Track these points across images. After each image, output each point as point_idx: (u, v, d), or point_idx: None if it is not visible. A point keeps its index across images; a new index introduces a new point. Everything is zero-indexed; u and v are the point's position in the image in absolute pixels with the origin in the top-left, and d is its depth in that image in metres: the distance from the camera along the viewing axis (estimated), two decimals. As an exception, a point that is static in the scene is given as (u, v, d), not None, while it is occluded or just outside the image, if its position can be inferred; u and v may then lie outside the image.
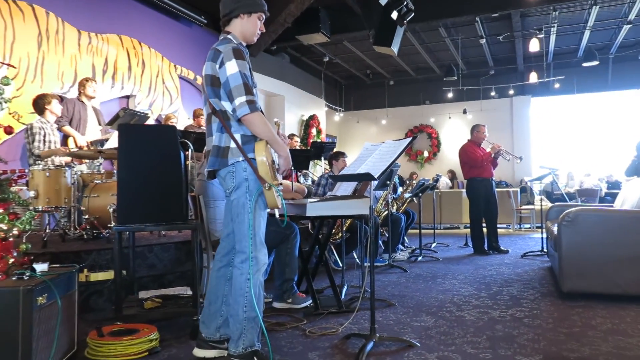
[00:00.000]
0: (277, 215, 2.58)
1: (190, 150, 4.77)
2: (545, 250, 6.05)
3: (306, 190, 5.74)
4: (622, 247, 3.64)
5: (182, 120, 7.97)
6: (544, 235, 6.04)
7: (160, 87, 7.90)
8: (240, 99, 2.28)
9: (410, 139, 3.02)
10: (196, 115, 6.72)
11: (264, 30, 2.51)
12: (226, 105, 2.35)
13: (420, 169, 14.81)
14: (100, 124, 5.46)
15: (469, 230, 6.76)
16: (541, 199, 6.86)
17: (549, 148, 13.75)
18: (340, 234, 5.00)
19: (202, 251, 3.38)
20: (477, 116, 13.64)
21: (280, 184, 2.46)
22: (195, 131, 5.34)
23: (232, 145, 2.35)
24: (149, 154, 2.93)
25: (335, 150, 6.90)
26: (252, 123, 2.32)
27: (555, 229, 4.13)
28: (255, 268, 2.36)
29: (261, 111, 2.35)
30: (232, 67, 2.29)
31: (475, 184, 6.48)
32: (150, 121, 7.05)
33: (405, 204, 6.79)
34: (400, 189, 7.40)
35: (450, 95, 13.61)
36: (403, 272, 5.13)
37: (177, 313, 2.99)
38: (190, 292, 3.42)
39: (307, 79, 13.14)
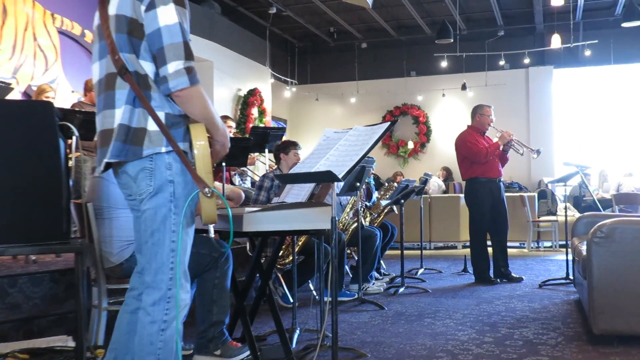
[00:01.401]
0: (211, 233, 2.53)
1: (74, 137, 4.66)
2: (571, 277, 6.24)
3: (243, 195, 5.69)
4: (671, 272, 3.79)
5: (62, 94, 7.78)
6: (570, 257, 6.22)
7: (30, 45, 7.70)
8: (177, 65, 2.20)
9: (388, 124, 3.05)
10: (89, 88, 6.57)
11: None
12: (147, 67, 2.25)
13: (403, 166, 15.01)
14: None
15: (468, 250, 6.90)
16: (566, 208, 7.07)
17: (577, 138, 14.20)
18: (290, 258, 4.98)
19: (91, 284, 3.30)
20: (481, 93, 13.95)
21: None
22: (86, 110, 5.21)
23: (151, 127, 2.25)
24: (11, 142, 2.82)
25: (284, 139, 6.89)
26: (189, 101, 2.25)
27: (584, 248, 4.25)
28: (172, 313, 2.29)
29: None
30: (168, 15, 2.19)
31: (477, 186, 6.62)
32: (15, 95, 6.82)
33: (383, 215, 6.85)
34: (375, 194, 7.46)
35: (444, 64, 13.86)
36: (378, 309, 5.17)
37: (54, 374, 2.90)
38: (72, 344, 3.33)
39: (246, 38, 13.07)
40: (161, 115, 2.24)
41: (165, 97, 2.26)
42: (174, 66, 2.19)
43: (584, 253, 4.09)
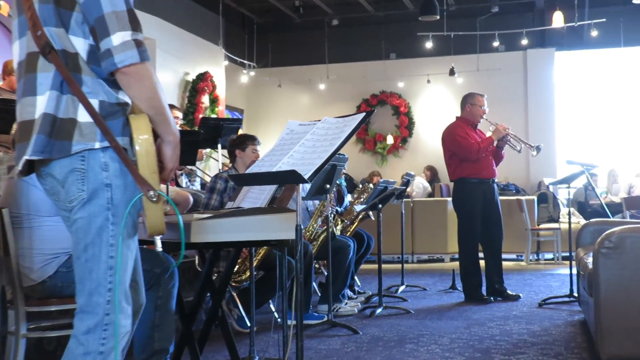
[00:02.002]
0: (158, 247, 2.50)
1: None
2: (575, 294, 6.32)
3: (191, 199, 5.65)
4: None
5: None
6: (574, 271, 6.29)
7: None
8: (124, 36, 2.14)
9: (363, 115, 3.05)
10: (8, 71, 6.48)
11: None
12: (78, 45, 2.20)
13: (381, 165, 15.06)
14: None
15: (457, 264, 6.95)
16: (570, 213, 7.14)
17: (583, 132, 14.40)
18: (247, 273, 4.96)
19: (7, 306, 3.24)
20: (472, 80, 14.08)
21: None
22: (3, 97, 5.14)
23: (82, 117, 2.20)
24: None
25: (240, 132, 6.86)
26: (139, 81, 2.18)
27: (590, 260, 4.31)
28: (110, 343, 2.26)
29: None
30: None
31: (467, 188, 6.67)
32: None
33: (357, 223, 6.86)
34: (348, 198, 7.47)
35: (429, 45, 13.95)
36: (352, 334, 5.17)
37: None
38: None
39: (195, 12, 12.99)
40: (94, 103, 2.19)
41: (99, 81, 2.21)
42: (119, 37, 2.14)
43: (590, 266, 4.14)
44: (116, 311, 2.25)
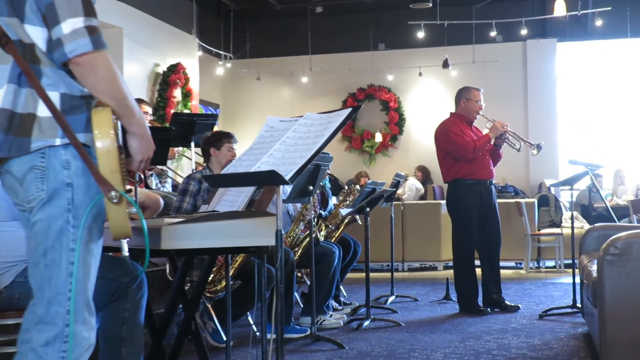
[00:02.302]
0: (125, 251, 2.49)
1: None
2: (578, 305, 6.35)
3: (162, 202, 5.64)
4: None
5: None
6: (577, 280, 6.32)
7: None
8: (74, 23, 2.15)
9: (350, 110, 3.06)
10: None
11: None
12: (34, 34, 2.21)
13: (369, 165, 15.08)
14: None
15: (451, 272, 6.96)
16: (572, 217, 7.19)
17: (587, 130, 14.47)
18: (223, 283, 4.95)
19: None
20: (467, 73, 14.12)
21: (129, 190, 2.39)
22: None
23: (42, 112, 2.22)
24: None
25: (215, 129, 6.84)
26: (92, 71, 2.20)
27: (594, 268, 4.33)
28: (73, 355, 2.26)
29: None
30: None
31: (463, 190, 6.69)
32: None
33: (342, 227, 6.86)
34: (333, 201, 7.47)
35: (420, 35, 13.96)
36: (337, 348, 5.17)
37: None
38: None
39: (166, -2, 12.96)
40: (55, 96, 2.21)
41: (61, 73, 2.23)
42: (70, 25, 2.15)
43: (595, 274, 4.16)
44: (71, 321, 2.25)
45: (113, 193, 2.16)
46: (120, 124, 2.33)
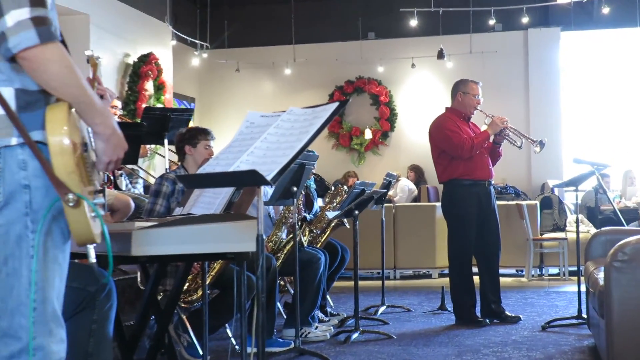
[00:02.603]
0: (91, 259, 2.49)
1: None
2: (584, 315, 6.37)
3: (132, 204, 5.60)
4: None
5: None
6: (583, 289, 6.35)
7: None
8: (19, 14, 2.15)
9: (337, 104, 3.06)
10: None
11: None
12: None
13: (357, 164, 15.08)
14: None
15: (447, 280, 6.97)
16: (578, 221, 7.21)
17: (593, 126, 14.51)
18: (200, 292, 4.94)
19: None
20: (464, 64, 14.15)
21: (101, 191, 2.39)
22: None
23: None
24: None
25: (191, 125, 6.83)
26: (41, 67, 2.20)
27: (601, 275, 4.35)
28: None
29: (62, 42, 2.25)
30: None
31: (459, 191, 6.70)
32: None
33: (329, 232, 6.86)
34: (318, 203, 7.47)
35: (414, 23, 13.99)
36: (323, 363, 5.17)
37: None
38: None
39: (137, -18, 12.92)
40: (9, 92, 2.22)
41: (16, 67, 2.22)
42: (13, 17, 2.14)
43: (601, 282, 4.18)
44: (30, 333, 2.25)
45: (70, 196, 2.16)
46: None
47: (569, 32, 14.45)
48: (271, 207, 6.33)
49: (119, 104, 8.03)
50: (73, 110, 2.26)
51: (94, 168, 2.38)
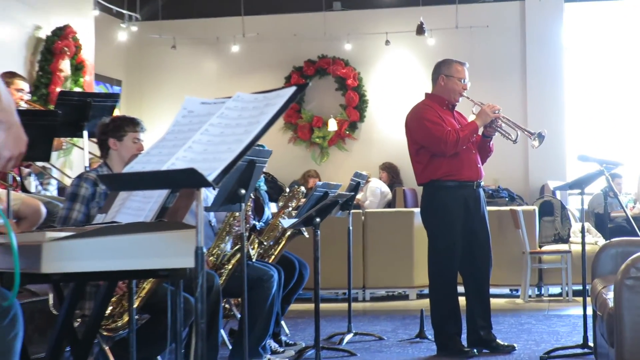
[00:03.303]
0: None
1: None
2: (590, 343, 6.43)
3: (44, 210, 5.60)
4: None
5: None
6: (589, 312, 6.41)
7: None
8: None
9: (294, 89, 3.06)
10: None
11: None
12: None
13: (319, 162, 15.13)
14: None
15: (427, 301, 7.01)
16: (583, 230, 7.27)
17: (601, 116, 14.64)
18: (126, 318, 4.93)
19: None
20: (448, 41, 14.27)
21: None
22: None
23: None
24: None
25: (116, 113, 6.80)
26: None
27: (610, 295, 4.39)
28: None
29: None
30: None
31: (442, 195, 6.73)
32: None
33: (284, 243, 6.87)
34: (270, 208, 7.47)
35: (388, -10, 14.08)
36: (277, 403, 5.18)
37: None
38: None
39: (51, -62, 12.85)
40: None
41: None
42: None
43: (611, 304, 4.22)
44: None
45: None
46: None
47: (574, 3, 14.57)
48: (212, 213, 6.33)
49: (26, 87, 7.93)
50: None
51: None
